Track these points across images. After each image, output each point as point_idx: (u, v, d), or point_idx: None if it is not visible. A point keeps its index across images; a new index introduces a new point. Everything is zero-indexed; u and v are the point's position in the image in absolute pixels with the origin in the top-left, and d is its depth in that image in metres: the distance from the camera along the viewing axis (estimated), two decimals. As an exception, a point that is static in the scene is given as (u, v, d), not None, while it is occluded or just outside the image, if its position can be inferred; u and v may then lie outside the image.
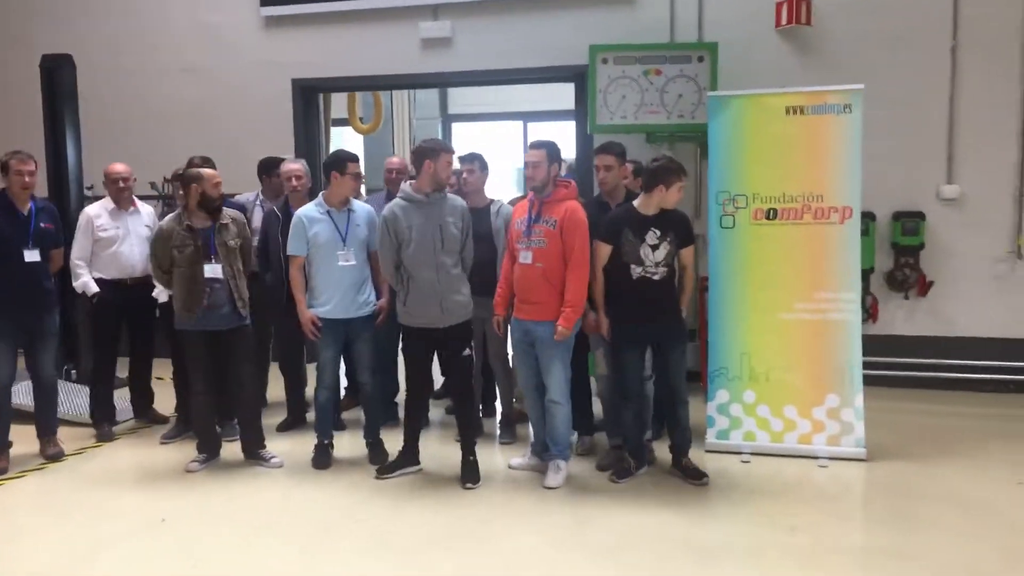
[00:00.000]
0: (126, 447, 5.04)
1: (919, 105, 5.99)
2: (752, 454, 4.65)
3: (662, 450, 4.52)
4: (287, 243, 4.62)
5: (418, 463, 4.52)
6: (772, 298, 4.69)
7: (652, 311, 4.22)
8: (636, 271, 4.19)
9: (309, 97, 7.23)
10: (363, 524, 3.88)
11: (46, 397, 4.83)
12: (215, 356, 4.60)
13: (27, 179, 4.59)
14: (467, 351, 4.36)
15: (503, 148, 12.14)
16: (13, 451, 4.75)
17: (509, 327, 4.46)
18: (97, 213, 5.07)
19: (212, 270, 4.50)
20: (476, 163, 4.89)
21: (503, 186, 9.48)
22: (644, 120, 6.10)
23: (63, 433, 5.07)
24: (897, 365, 6.00)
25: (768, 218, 4.71)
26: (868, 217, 5.90)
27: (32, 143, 6.26)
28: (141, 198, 5.45)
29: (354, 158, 4.57)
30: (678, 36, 6.40)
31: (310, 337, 4.53)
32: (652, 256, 4.18)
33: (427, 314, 4.28)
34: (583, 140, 6.61)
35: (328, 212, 4.53)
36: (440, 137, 12.54)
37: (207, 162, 5.00)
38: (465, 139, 13.04)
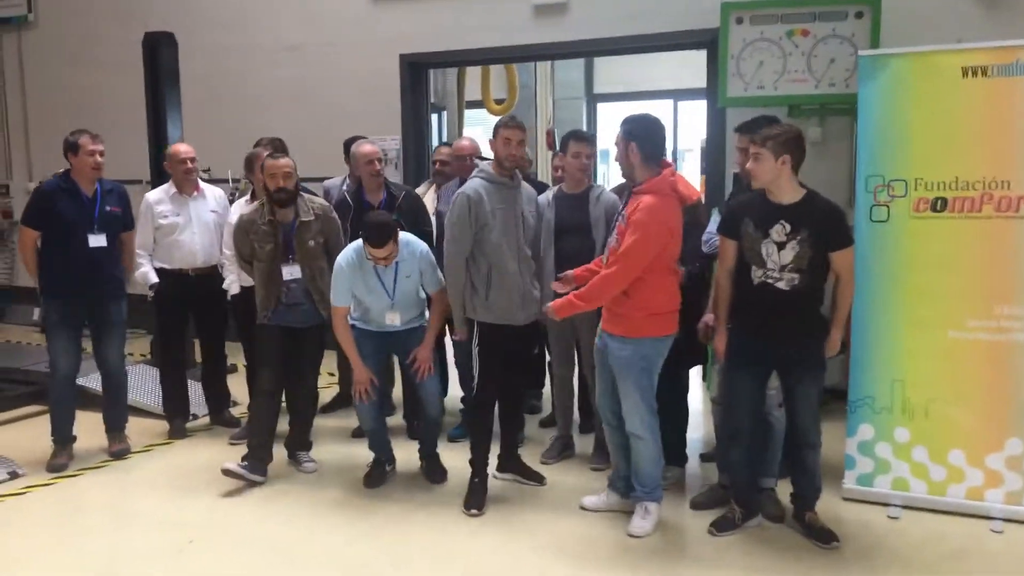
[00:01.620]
0: (193, 447, 4.72)
1: None
2: (903, 507, 3.70)
3: (787, 492, 3.65)
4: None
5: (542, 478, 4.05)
6: (937, 312, 3.69)
7: (774, 327, 3.35)
8: (756, 274, 3.34)
9: (417, 73, 6.71)
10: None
11: (113, 390, 4.58)
12: (288, 354, 4.20)
13: (99, 159, 4.34)
14: (535, 350, 3.85)
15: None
16: (87, 443, 4.55)
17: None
18: (158, 199, 4.76)
19: (290, 272, 4.13)
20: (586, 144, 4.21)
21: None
22: (786, 90, 5.13)
23: (143, 425, 4.86)
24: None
25: (935, 210, 3.71)
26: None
27: (136, 123, 6.20)
28: (221, 182, 5.14)
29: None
30: (831, -11, 5.36)
31: (359, 398, 3.97)
32: (776, 256, 3.31)
33: (509, 309, 3.76)
34: (714, 117, 5.71)
35: (374, 266, 3.89)
36: (584, 118, 11.93)
37: (276, 145, 4.55)
38: (611, 119, 12.38)
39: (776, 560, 3.30)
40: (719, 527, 3.49)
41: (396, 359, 4.44)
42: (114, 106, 7.28)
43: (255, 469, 4.08)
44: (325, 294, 4.09)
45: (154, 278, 4.69)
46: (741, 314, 3.46)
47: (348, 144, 5.10)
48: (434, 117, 9.68)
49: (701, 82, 5.95)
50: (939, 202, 3.70)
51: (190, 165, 4.74)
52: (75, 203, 4.33)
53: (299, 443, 4.34)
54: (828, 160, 5.25)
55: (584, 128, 11.92)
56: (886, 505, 3.71)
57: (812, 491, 3.47)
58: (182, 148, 4.82)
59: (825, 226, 3.28)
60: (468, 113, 10.36)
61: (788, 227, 3.29)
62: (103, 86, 7.59)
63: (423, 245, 4.01)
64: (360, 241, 3.85)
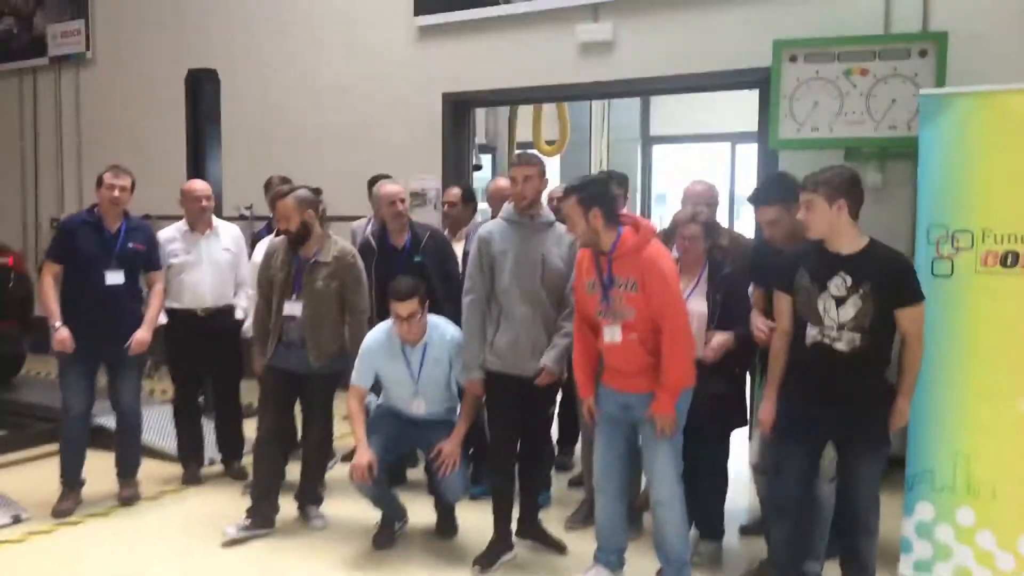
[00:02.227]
0: (205, 495, 4.53)
1: None
2: (966, 600, 3.28)
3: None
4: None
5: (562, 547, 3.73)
6: (1006, 379, 3.29)
7: (832, 394, 3.00)
8: (812, 333, 3.01)
9: (461, 112, 6.57)
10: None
11: (125, 433, 4.43)
12: (290, 400, 4.03)
13: (116, 194, 4.23)
14: (552, 408, 3.64)
15: (710, 173, 11.04)
16: (99, 486, 4.40)
17: (598, 400, 3.39)
18: (170, 236, 4.64)
19: (291, 308, 3.96)
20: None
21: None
22: (843, 132, 4.82)
23: (161, 469, 4.76)
24: None
25: (1005, 264, 3.33)
26: None
27: (181, 161, 6.18)
28: (262, 219, 5.03)
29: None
30: (894, 27, 5.04)
31: (358, 479, 3.63)
32: (835, 313, 2.97)
33: (516, 357, 3.51)
34: (765, 160, 5.39)
35: (402, 347, 3.71)
36: (639, 161, 11.69)
37: (286, 182, 4.42)
38: (666, 163, 12.12)
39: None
40: None
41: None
42: (161, 144, 7.33)
43: (258, 525, 3.87)
44: (321, 342, 3.92)
45: (161, 319, 4.55)
46: (794, 378, 3.11)
47: (372, 183, 4.94)
48: (486, 159, 9.58)
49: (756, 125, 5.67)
50: (1010, 256, 3.32)
51: (204, 204, 4.63)
52: (96, 238, 4.23)
53: (308, 495, 4.11)
54: (888, 208, 4.88)
55: (639, 171, 11.68)
56: (948, 596, 3.29)
57: None
58: (197, 185, 4.72)
59: (891, 279, 2.94)
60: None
61: (849, 280, 2.96)
62: (153, 123, 7.68)
63: (456, 331, 3.73)
64: (390, 321, 3.68)
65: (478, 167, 7.57)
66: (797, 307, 3.07)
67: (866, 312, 2.93)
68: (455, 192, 5.09)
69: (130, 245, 4.30)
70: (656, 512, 3.19)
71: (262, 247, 4.46)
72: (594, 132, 11.31)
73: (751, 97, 5.85)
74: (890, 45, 4.73)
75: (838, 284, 2.97)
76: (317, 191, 4.09)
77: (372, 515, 3.97)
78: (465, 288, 3.64)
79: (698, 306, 3.63)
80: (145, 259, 4.39)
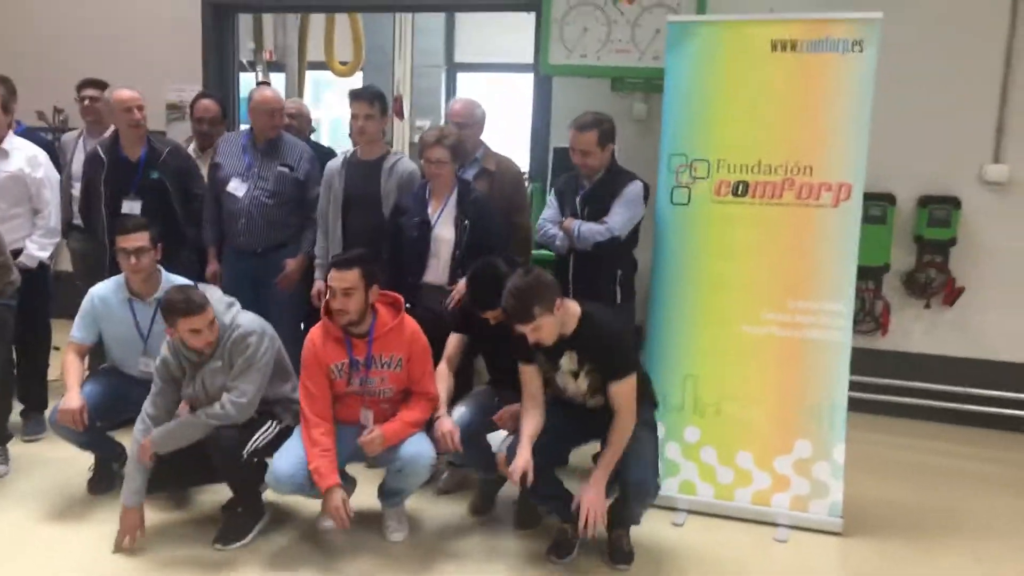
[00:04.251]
0: None
1: (963, 51, 4.52)
2: (689, 512, 3.44)
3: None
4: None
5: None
6: (733, 304, 3.43)
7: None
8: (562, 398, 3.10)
9: (223, 18, 6.01)
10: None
11: None
12: None
13: None
14: None
15: (513, 103, 10.98)
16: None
17: None
18: None
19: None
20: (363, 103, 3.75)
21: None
22: (609, 61, 4.79)
23: None
24: (907, 391, 4.68)
25: (736, 194, 3.44)
26: (886, 200, 4.55)
27: None
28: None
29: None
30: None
31: (67, 422, 3.19)
32: (574, 386, 3.02)
33: None
34: (540, 87, 5.31)
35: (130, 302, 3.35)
36: (444, 88, 11.41)
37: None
38: (471, 91, 11.93)
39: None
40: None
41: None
42: None
43: None
44: None
45: None
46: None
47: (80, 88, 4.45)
48: (276, 77, 8.97)
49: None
50: (741, 186, 3.43)
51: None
52: None
53: None
54: (653, 138, 4.93)
55: (443, 98, 11.44)
56: (673, 511, 3.43)
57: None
58: None
59: (603, 356, 2.92)
60: (313, 75, 9.66)
61: (575, 356, 2.95)
62: None
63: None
64: (120, 276, 3.34)
65: (266, 83, 7.03)
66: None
67: (599, 381, 2.94)
68: (210, 105, 4.61)
69: None
70: None
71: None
72: (397, 55, 10.92)
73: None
74: (656, -27, 4.74)
75: (567, 361, 2.96)
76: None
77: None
78: None
79: (446, 232, 3.52)
80: None
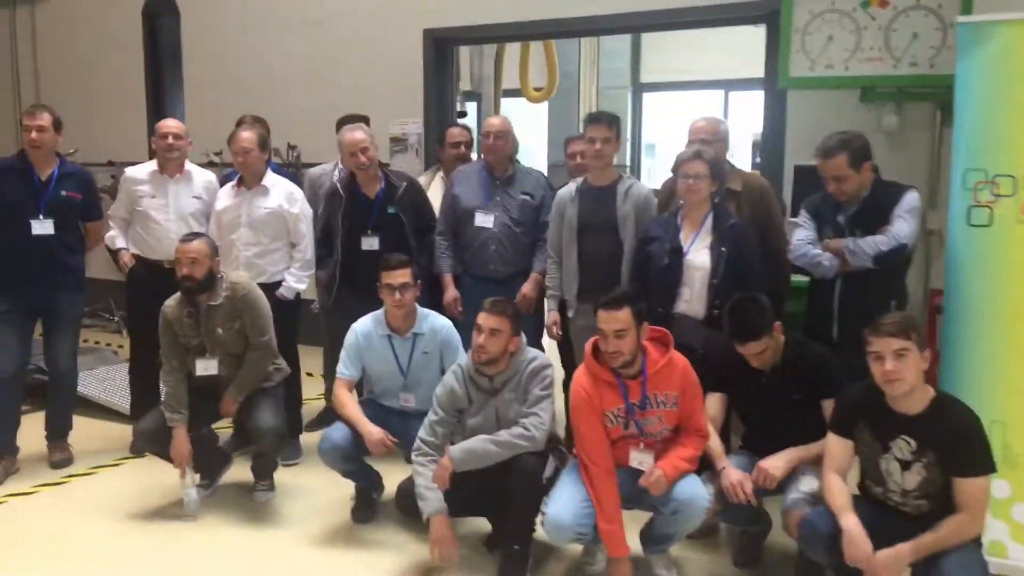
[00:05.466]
0: (150, 466, 3.98)
1: None
2: (998, 578, 3.00)
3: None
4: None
5: None
6: (1050, 339, 2.98)
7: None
8: (876, 490, 2.68)
9: (443, 50, 6.09)
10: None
11: (57, 393, 4.11)
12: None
13: (33, 135, 3.82)
14: None
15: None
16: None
17: None
18: (138, 177, 4.22)
19: (204, 366, 3.61)
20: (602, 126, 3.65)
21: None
22: (859, 71, 4.44)
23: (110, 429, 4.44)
24: None
25: (1050, 213, 3.00)
26: None
27: (137, 102, 5.71)
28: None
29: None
30: (916, -47, 4.62)
31: (377, 452, 3.32)
32: (899, 478, 2.59)
33: None
34: (772, 102, 4.97)
35: (390, 338, 3.43)
36: (630, 109, 11.29)
37: (259, 122, 4.03)
38: (657, 111, 11.73)
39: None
40: None
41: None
42: (120, 84, 6.79)
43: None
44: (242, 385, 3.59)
45: (120, 243, 4.19)
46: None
47: (340, 125, 4.49)
48: (472, 106, 9.11)
49: (754, 71, 5.24)
50: (1057, 204, 2.98)
51: (172, 141, 4.14)
52: (23, 184, 3.85)
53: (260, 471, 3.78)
54: (907, 154, 4.53)
55: (629, 120, 11.28)
56: (979, 575, 3.00)
57: None
58: (168, 122, 4.26)
59: (955, 447, 2.50)
60: (505, 102, 9.76)
61: (913, 444, 2.55)
62: (110, 62, 7.10)
63: (447, 323, 3.49)
64: (379, 312, 3.41)
65: (463, 114, 7.11)
66: (859, 455, 2.68)
67: (934, 480, 2.53)
68: (463, 130, 4.71)
69: (62, 193, 3.92)
70: None
71: (222, 195, 4.08)
72: (583, 79, 10.89)
73: (745, 43, 5.43)
74: (912, -27, 4.34)
75: (901, 447, 2.56)
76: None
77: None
78: None
79: (700, 259, 3.29)
80: (81, 208, 4.00)
